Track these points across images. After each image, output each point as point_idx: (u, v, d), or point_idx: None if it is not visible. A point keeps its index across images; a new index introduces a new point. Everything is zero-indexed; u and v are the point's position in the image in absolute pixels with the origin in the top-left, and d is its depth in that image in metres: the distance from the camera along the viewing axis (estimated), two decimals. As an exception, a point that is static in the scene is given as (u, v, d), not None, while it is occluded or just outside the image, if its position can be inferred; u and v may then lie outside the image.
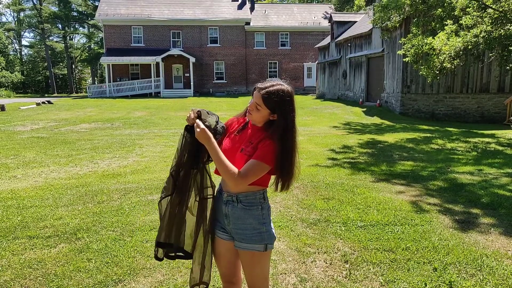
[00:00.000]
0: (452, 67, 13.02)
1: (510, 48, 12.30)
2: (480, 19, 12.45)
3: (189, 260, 2.30)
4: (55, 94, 47.99)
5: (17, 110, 20.83)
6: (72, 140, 11.46)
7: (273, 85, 2.11)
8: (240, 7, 37.78)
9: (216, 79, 37.28)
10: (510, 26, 11.66)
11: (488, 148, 10.08)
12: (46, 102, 25.53)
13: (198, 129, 2.06)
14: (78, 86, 61.17)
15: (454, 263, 3.65)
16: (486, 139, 11.71)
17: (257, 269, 2.25)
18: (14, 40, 61.98)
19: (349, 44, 25.41)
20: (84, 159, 8.70)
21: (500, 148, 10.20)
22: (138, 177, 6.98)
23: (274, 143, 2.10)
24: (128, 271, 3.53)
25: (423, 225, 4.57)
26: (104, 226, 4.56)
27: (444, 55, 12.50)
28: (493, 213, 5.04)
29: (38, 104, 24.16)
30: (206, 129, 2.08)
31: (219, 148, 2.10)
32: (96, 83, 53.32)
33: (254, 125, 2.22)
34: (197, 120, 2.10)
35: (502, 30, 11.81)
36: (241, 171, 2.07)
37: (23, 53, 63.63)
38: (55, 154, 9.35)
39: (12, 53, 61.09)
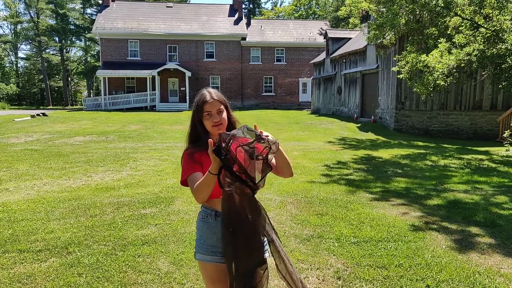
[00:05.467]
0: (446, 84, 13.16)
1: (502, 66, 12.46)
2: (473, 38, 12.64)
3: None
4: (50, 107, 47.92)
5: (11, 122, 20.74)
6: (66, 153, 11.41)
7: (208, 90, 2.29)
8: (237, 22, 38.15)
9: (211, 93, 37.29)
10: (502, 45, 11.83)
11: (481, 165, 10.13)
12: (41, 114, 25.45)
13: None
14: (73, 99, 61.13)
15: (447, 280, 3.64)
16: (480, 156, 11.78)
17: None
18: (11, 52, 62.07)
19: (344, 60, 25.65)
20: (78, 172, 8.65)
21: (493, 165, 10.26)
22: (131, 191, 6.94)
23: None
24: (119, 287, 3.49)
25: (416, 242, 4.57)
26: (96, 240, 4.52)
27: (438, 73, 12.65)
28: (486, 230, 5.04)
29: (32, 116, 24.09)
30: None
31: None
32: (91, 96, 53.29)
33: None
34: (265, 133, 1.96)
35: (494, 49, 11.99)
36: None
37: (19, 65, 63.78)
38: (48, 166, 9.30)
39: (8, 65, 61.18)
